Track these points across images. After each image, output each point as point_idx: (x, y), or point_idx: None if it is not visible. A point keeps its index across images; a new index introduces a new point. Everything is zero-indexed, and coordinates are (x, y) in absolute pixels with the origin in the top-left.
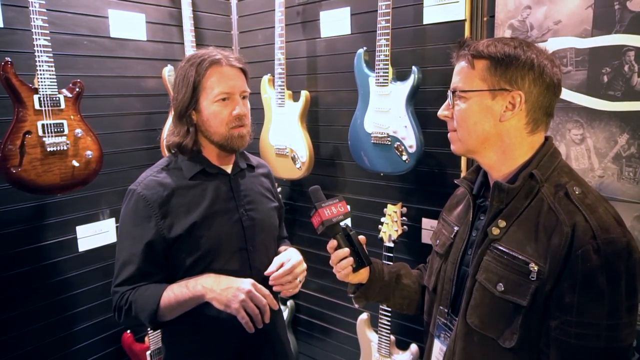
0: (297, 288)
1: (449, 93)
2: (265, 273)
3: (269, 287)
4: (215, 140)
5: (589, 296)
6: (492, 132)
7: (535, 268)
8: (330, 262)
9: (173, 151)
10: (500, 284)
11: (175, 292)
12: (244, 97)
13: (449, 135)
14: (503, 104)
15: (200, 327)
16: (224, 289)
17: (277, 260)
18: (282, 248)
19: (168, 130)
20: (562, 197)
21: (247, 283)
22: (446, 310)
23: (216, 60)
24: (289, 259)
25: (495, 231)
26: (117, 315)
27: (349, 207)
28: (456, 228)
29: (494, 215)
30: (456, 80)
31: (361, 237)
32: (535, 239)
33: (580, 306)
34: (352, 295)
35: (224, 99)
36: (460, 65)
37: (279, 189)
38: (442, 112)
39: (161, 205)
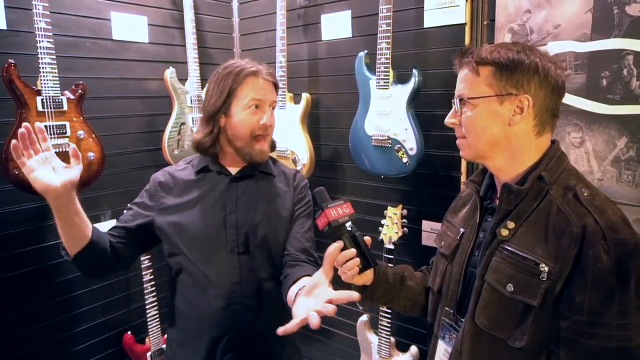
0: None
1: (455, 100)
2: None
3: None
4: (237, 146)
5: (600, 296)
6: (501, 136)
7: (546, 268)
8: (335, 263)
9: (194, 148)
10: (510, 284)
11: None
12: (272, 109)
13: (457, 142)
14: (511, 108)
15: (184, 314)
16: None
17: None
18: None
19: (196, 129)
20: (571, 198)
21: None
22: (452, 311)
23: (253, 72)
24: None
25: (504, 232)
26: None
27: (353, 208)
28: (462, 229)
29: (502, 217)
30: (461, 88)
31: (366, 238)
32: (545, 240)
33: (591, 306)
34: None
35: (255, 107)
36: (464, 73)
37: None
38: (449, 120)
39: (162, 187)
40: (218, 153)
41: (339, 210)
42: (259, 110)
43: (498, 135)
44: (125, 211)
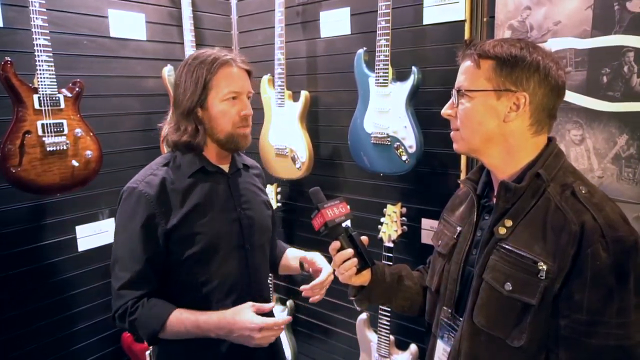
0: (322, 295)
1: (454, 92)
2: (303, 290)
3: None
4: (219, 138)
5: (599, 294)
6: (496, 132)
7: (544, 267)
8: (332, 264)
9: (174, 149)
10: (508, 283)
11: (187, 326)
12: (248, 98)
13: (451, 134)
14: (507, 105)
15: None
16: (237, 337)
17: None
18: (292, 251)
19: (168, 128)
20: (569, 196)
21: (255, 330)
22: (450, 311)
23: (226, 60)
24: (323, 269)
25: (502, 230)
26: (119, 320)
27: (349, 207)
28: (459, 228)
29: (500, 215)
30: (461, 80)
31: (363, 238)
32: (543, 238)
33: (590, 304)
34: (354, 298)
35: (233, 98)
36: (466, 65)
37: (278, 189)
38: (445, 111)
39: (161, 202)
40: (203, 150)
41: (335, 210)
42: (237, 101)
43: (493, 131)
44: (131, 270)
